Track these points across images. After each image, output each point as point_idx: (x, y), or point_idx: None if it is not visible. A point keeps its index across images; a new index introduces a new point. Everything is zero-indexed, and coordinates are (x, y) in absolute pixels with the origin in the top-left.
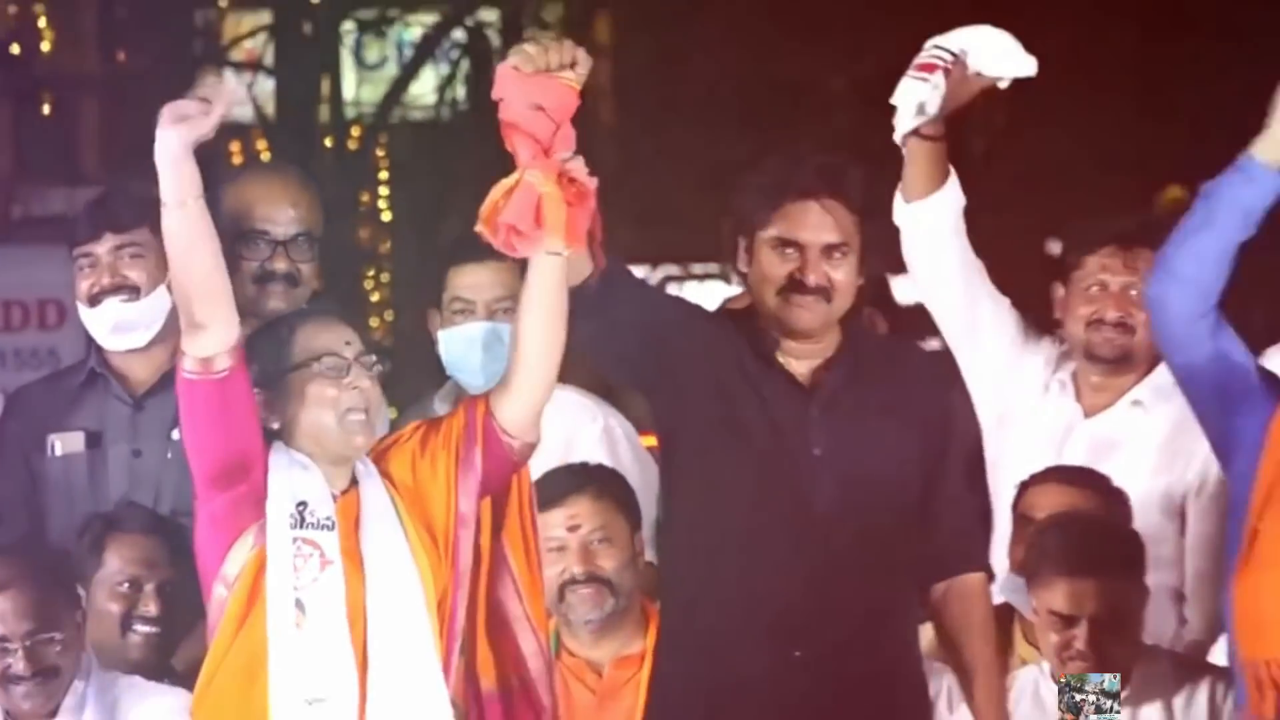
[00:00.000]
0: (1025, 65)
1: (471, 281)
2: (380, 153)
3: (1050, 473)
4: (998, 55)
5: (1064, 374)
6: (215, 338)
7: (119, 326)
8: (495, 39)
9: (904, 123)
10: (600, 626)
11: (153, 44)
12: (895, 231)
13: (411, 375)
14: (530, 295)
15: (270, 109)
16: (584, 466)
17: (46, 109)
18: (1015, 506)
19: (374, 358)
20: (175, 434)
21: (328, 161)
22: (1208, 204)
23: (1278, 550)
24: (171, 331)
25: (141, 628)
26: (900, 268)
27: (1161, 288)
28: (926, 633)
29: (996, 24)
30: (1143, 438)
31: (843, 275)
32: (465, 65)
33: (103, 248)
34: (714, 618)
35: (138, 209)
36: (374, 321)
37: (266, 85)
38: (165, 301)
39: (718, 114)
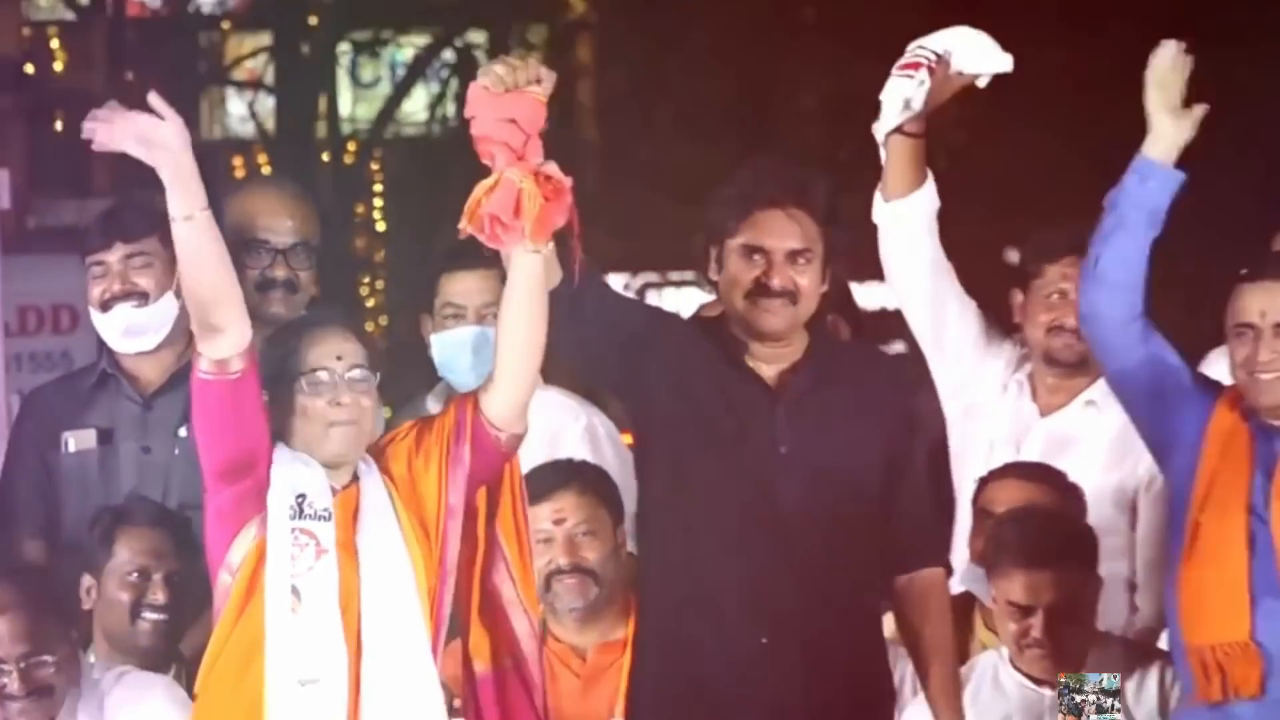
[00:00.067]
0: (1003, 62)
1: (462, 288)
2: (375, 166)
3: (1009, 469)
4: (978, 54)
5: (1021, 375)
6: (231, 340)
7: (129, 330)
8: (483, 59)
9: (889, 119)
10: (584, 614)
11: (159, 64)
12: (858, 240)
13: (405, 376)
14: (511, 292)
15: (270, 125)
16: (569, 463)
17: (59, 125)
18: (975, 501)
19: (365, 372)
20: (182, 431)
21: (325, 175)
22: (1116, 210)
23: (1219, 542)
24: (179, 335)
25: (150, 615)
26: (863, 275)
27: (1092, 296)
28: (889, 622)
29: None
30: (1096, 435)
31: (807, 280)
32: (455, 84)
33: (114, 256)
34: (686, 608)
35: (147, 220)
36: (369, 326)
37: (267, 103)
38: (173, 307)
39: (694, 130)
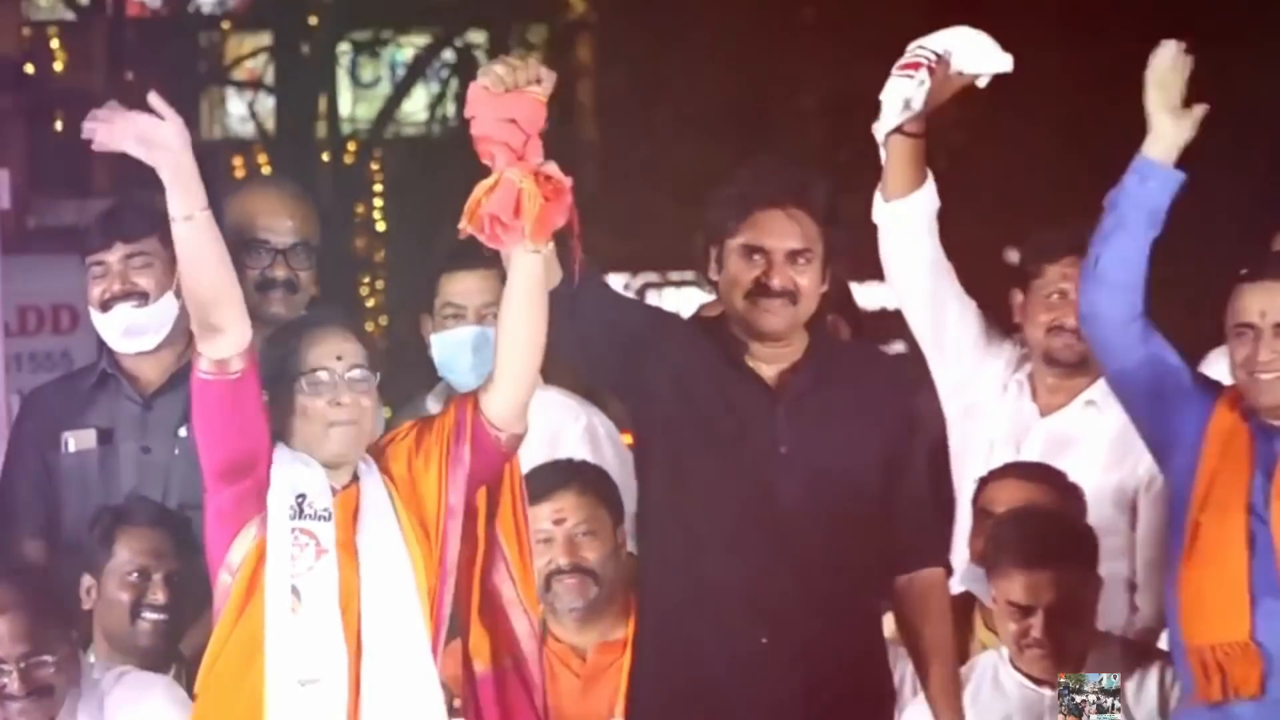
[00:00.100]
0: (1003, 62)
1: (462, 288)
2: (375, 167)
3: (1009, 469)
4: (978, 54)
5: (1021, 375)
6: (231, 340)
7: (129, 330)
8: (483, 59)
9: (889, 119)
10: (584, 614)
11: (159, 64)
12: (858, 240)
13: (405, 376)
14: (511, 292)
15: (270, 125)
16: (569, 463)
17: (59, 125)
18: (975, 501)
19: (365, 372)
20: (182, 431)
21: (325, 175)
22: (1116, 210)
23: (1219, 542)
24: (178, 335)
25: (150, 615)
26: (863, 275)
27: (1092, 297)
28: (889, 622)
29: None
30: (1096, 435)
31: (807, 280)
32: (455, 84)
33: (113, 256)
34: (686, 608)
35: (147, 220)
36: (369, 326)
37: (267, 103)
38: (173, 307)
39: (694, 130)
